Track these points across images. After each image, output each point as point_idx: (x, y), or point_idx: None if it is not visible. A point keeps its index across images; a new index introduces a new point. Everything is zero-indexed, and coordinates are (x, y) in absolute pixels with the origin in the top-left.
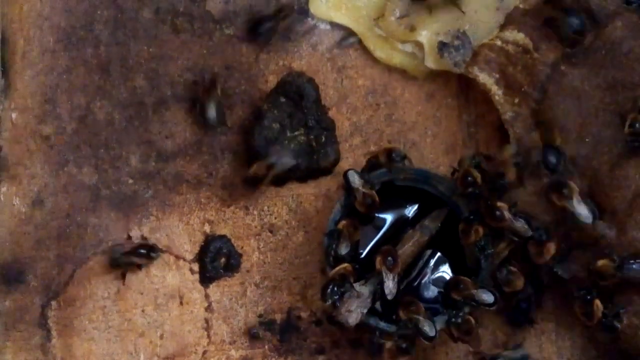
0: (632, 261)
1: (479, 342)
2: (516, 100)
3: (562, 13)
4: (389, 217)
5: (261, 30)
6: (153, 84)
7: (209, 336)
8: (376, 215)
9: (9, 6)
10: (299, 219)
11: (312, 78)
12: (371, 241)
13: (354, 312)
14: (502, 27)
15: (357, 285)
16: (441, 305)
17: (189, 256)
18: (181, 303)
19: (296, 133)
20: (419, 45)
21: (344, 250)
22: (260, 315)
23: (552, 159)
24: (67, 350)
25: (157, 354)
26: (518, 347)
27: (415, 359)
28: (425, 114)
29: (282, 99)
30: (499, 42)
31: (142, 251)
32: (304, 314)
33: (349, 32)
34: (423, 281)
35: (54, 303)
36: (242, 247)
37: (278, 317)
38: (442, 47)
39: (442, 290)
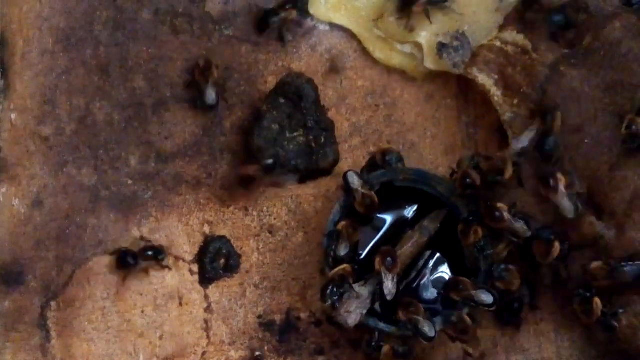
0: (623, 264)
1: (478, 342)
2: (515, 101)
3: (545, 13)
4: (388, 218)
5: (270, 22)
6: (152, 84)
7: (208, 337)
8: (375, 216)
9: (9, 7)
10: (299, 220)
11: (311, 79)
12: (370, 242)
13: (353, 312)
14: (501, 28)
15: (356, 286)
16: (440, 306)
17: (189, 257)
18: (180, 304)
19: (295, 134)
20: (418, 46)
21: (343, 251)
22: (259, 316)
23: (547, 147)
24: (66, 351)
25: (156, 355)
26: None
27: (415, 359)
28: (424, 114)
29: (282, 100)
30: (498, 43)
31: (150, 253)
32: (303, 315)
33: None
34: (422, 282)
35: (53, 304)
36: (241, 248)
37: (277, 317)
38: (442, 48)
39: (442, 291)
